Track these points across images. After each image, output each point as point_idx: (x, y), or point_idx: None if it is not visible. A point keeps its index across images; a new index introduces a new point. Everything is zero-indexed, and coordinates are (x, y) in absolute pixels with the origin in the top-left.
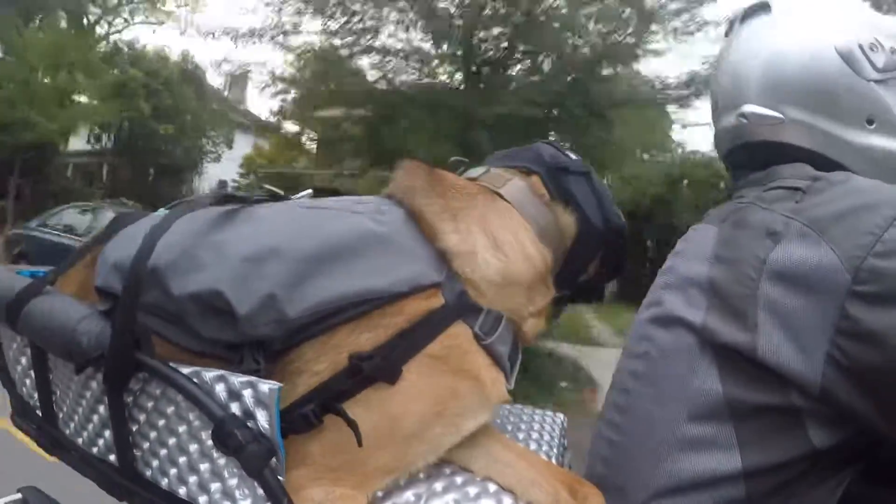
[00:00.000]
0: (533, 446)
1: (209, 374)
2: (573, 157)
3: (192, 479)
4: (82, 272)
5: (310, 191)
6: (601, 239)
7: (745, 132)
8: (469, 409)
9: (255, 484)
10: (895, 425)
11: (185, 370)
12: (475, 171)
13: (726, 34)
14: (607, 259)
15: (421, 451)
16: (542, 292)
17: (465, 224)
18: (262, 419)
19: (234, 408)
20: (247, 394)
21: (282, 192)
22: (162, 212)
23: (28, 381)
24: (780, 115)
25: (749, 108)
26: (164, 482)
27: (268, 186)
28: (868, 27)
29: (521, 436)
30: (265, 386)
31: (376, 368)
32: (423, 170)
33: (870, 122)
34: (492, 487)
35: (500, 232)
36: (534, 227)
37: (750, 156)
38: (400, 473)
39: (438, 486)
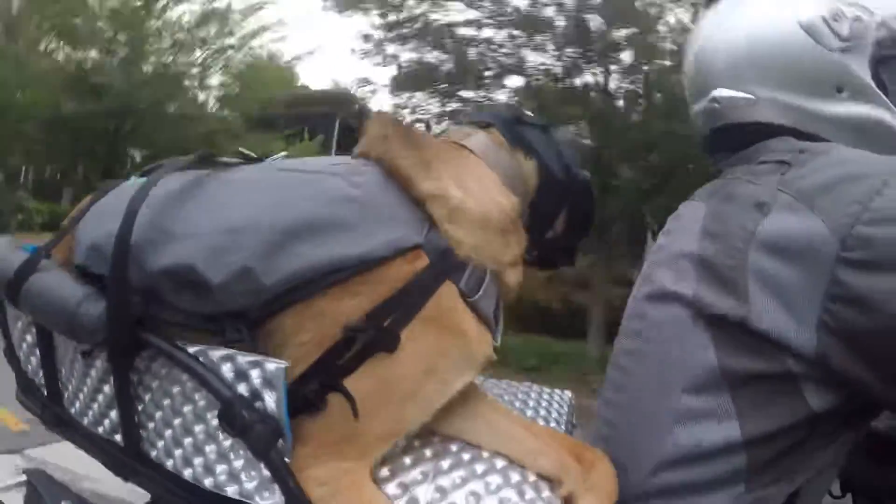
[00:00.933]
0: (541, 423)
1: (216, 354)
2: (529, 113)
3: (198, 460)
4: (64, 249)
5: (284, 153)
6: (564, 190)
7: (719, 115)
8: (457, 366)
9: (262, 465)
10: (888, 386)
11: (192, 349)
12: (436, 130)
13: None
14: (574, 215)
15: (414, 411)
16: (517, 239)
17: (437, 172)
18: (270, 400)
19: (242, 388)
20: (254, 374)
21: (255, 155)
22: (133, 180)
23: (33, 359)
24: (751, 96)
25: (719, 91)
26: (170, 463)
27: (242, 149)
28: None
29: (528, 413)
30: (272, 365)
31: (373, 340)
32: (393, 121)
33: (839, 90)
34: (499, 463)
35: (469, 179)
36: (500, 176)
37: (728, 138)
38: (397, 439)
39: (445, 463)
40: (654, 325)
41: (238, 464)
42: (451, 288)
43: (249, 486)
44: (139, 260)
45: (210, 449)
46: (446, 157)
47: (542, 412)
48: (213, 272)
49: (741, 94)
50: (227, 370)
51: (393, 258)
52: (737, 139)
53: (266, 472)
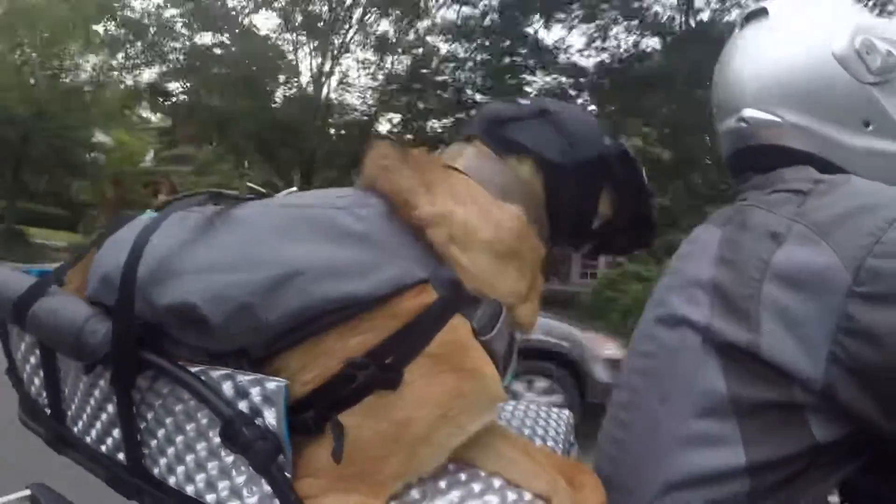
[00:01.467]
0: (539, 442)
1: (216, 373)
2: (522, 102)
3: (200, 476)
4: (80, 274)
5: (294, 188)
6: (583, 171)
7: (745, 136)
8: (473, 409)
9: (263, 482)
10: (893, 422)
11: (193, 369)
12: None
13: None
14: (618, 191)
15: (429, 453)
16: (531, 255)
17: (439, 197)
18: (270, 416)
19: (242, 405)
20: (254, 391)
21: (265, 191)
22: (148, 214)
23: (37, 380)
24: (779, 119)
25: (748, 112)
26: (172, 480)
27: (252, 185)
28: (864, 30)
29: (527, 432)
30: (272, 383)
31: (373, 377)
32: (391, 149)
33: (866, 124)
34: (496, 483)
35: (466, 201)
36: (493, 190)
37: (752, 159)
38: (410, 478)
39: (442, 483)
40: (665, 349)
41: (240, 480)
42: (463, 323)
43: (251, 501)
44: (146, 294)
45: (212, 465)
46: (443, 179)
47: (541, 431)
48: (213, 310)
49: (769, 117)
50: (227, 388)
51: (399, 294)
52: (760, 162)
53: (267, 488)
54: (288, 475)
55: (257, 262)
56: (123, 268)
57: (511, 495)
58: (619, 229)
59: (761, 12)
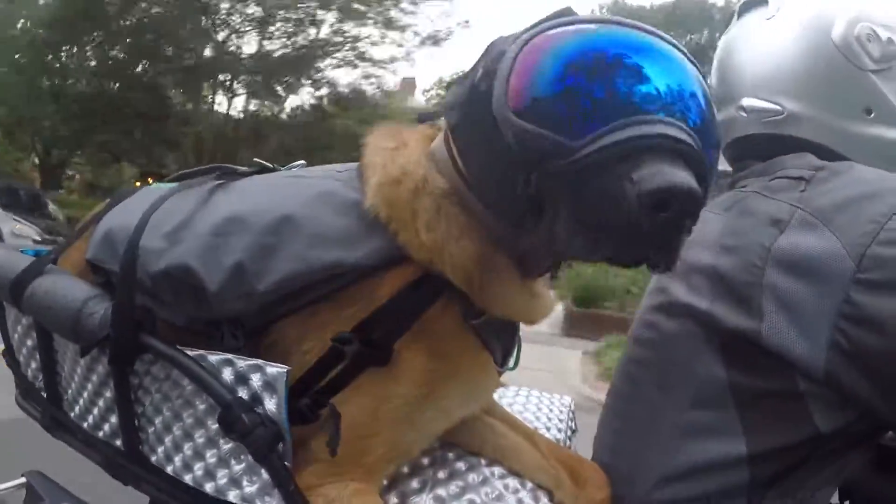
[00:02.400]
0: (541, 429)
1: (215, 358)
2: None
3: (199, 464)
4: (77, 254)
5: (302, 161)
6: (472, 113)
7: (744, 124)
8: (456, 394)
9: (262, 470)
10: (894, 408)
11: (191, 353)
12: None
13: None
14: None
15: (413, 437)
16: (454, 229)
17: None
18: (270, 403)
19: (242, 392)
20: (255, 377)
21: (271, 165)
22: (156, 185)
23: (34, 363)
24: (779, 108)
25: (748, 101)
26: (170, 468)
27: (257, 160)
28: (864, 17)
29: (529, 418)
30: (273, 369)
31: (362, 353)
32: (390, 130)
33: (868, 111)
34: (497, 472)
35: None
36: (434, 162)
37: (751, 147)
38: (399, 461)
39: (443, 473)
40: (665, 337)
41: (239, 468)
42: (452, 304)
43: (250, 489)
44: (145, 261)
45: (211, 453)
46: (402, 156)
47: (543, 418)
48: (209, 273)
49: (770, 105)
50: (227, 374)
51: (388, 267)
52: (759, 150)
53: (266, 477)
54: (288, 463)
55: (249, 223)
56: (127, 244)
57: (511, 485)
58: (555, 220)
59: (760, 1)
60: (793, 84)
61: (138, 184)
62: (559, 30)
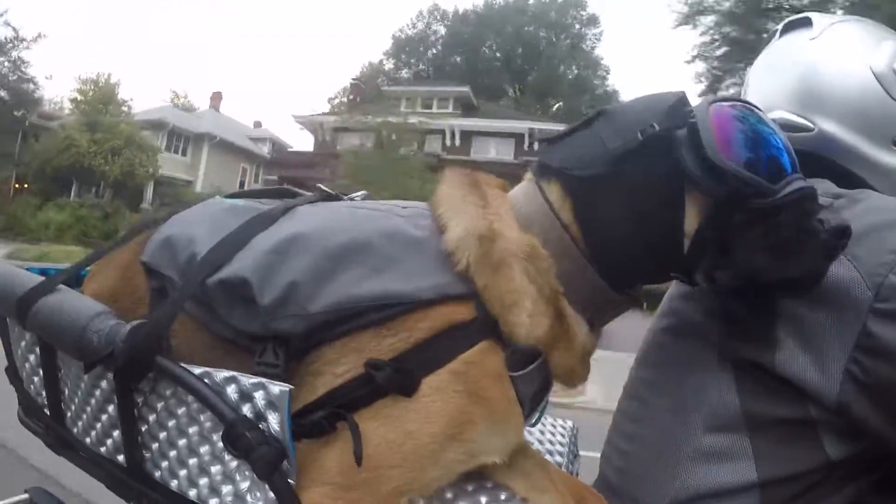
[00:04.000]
0: (543, 454)
1: (220, 375)
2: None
3: (203, 481)
4: (106, 271)
5: (365, 192)
6: (623, 176)
7: None
8: (485, 442)
9: (267, 487)
10: None
11: (197, 370)
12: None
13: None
14: (712, 186)
15: (435, 475)
16: (545, 294)
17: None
18: (274, 421)
19: (246, 409)
20: (258, 395)
21: (334, 193)
22: (218, 198)
23: (36, 379)
24: (811, 125)
25: (780, 113)
26: (174, 484)
27: (322, 187)
28: None
29: (532, 441)
30: (276, 388)
31: (389, 380)
32: (462, 177)
33: (895, 143)
34: (503, 496)
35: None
36: (520, 219)
37: None
38: (414, 496)
39: (449, 494)
40: (676, 360)
41: (244, 485)
42: (494, 349)
43: None
44: (202, 273)
45: (216, 470)
46: (486, 207)
47: (546, 443)
48: (264, 288)
49: (802, 121)
50: (231, 391)
51: (440, 302)
52: None
53: (271, 494)
54: (291, 482)
55: (310, 248)
56: (190, 276)
57: None
58: (740, 248)
59: (804, 22)
60: (828, 105)
61: None
62: (731, 103)
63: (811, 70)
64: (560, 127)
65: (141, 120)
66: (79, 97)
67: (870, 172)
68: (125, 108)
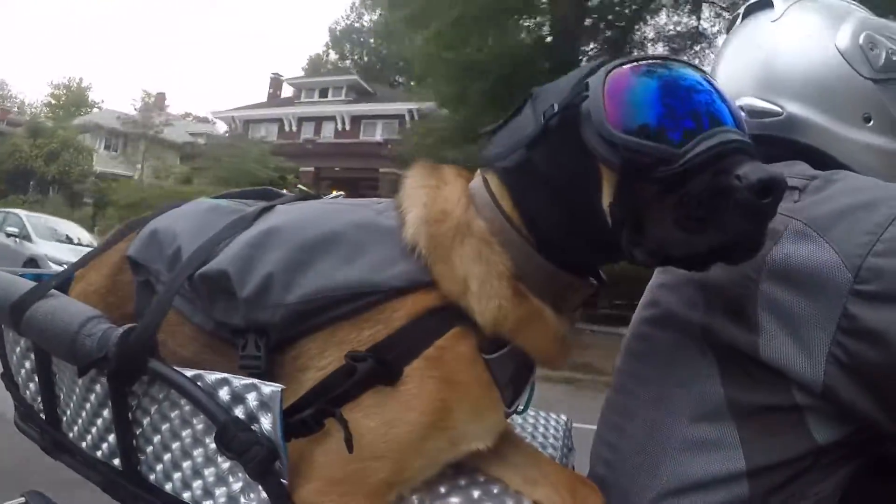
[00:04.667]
0: (538, 448)
1: (212, 378)
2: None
3: (197, 483)
4: (94, 272)
5: (342, 193)
6: (548, 158)
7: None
8: (464, 427)
9: (260, 488)
10: (894, 422)
11: (189, 373)
12: None
13: (728, 30)
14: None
15: (419, 464)
16: (493, 274)
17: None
18: (266, 422)
19: (238, 411)
20: (250, 397)
21: (312, 192)
22: (203, 199)
23: (32, 385)
24: (779, 109)
25: (747, 100)
26: (169, 486)
27: (301, 187)
28: (868, 27)
29: (526, 437)
30: (268, 388)
31: (371, 371)
32: (425, 167)
33: (867, 119)
34: (495, 489)
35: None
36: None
37: None
38: (402, 488)
39: (442, 488)
40: (660, 350)
41: (237, 486)
42: (467, 335)
43: None
44: (186, 267)
45: (209, 472)
46: (444, 200)
47: (540, 437)
48: (240, 279)
49: (769, 106)
50: (223, 393)
51: (412, 290)
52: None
53: (264, 495)
54: (284, 481)
55: (285, 240)
56: (174, 277)
57: (509, 502)
58: (651, 222)
59: (765, 4)
60: (794, 87)
61: None
62: (630, 66)
63: (775, 53)
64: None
65: (78, 124)
66: (52, 101)
67: (843, 151)
68: (97, 110)
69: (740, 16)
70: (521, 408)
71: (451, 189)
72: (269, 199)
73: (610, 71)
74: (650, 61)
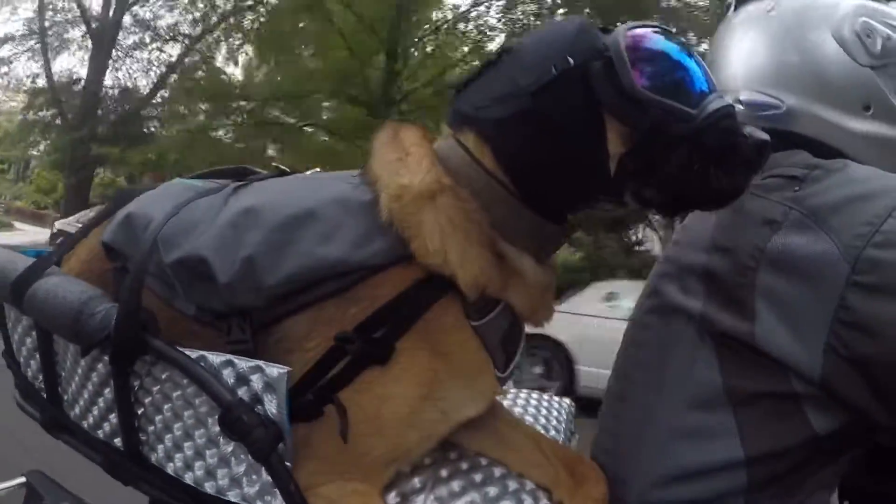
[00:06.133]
0: (540, 431)
1: (217, 359)
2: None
3: (199, 464)
4: (81, 255)
5: (318, 168)
6: (539, 109)
7: (741, 118)
8: (456, 396)
9: (263, 470)
10: (891, 415)
11: (193, 354)
12: None
13: (721, 19)
14: (631, 109)
15: (414, 438)
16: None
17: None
18: (270, 404)
19: (242, 392)
20: (255, 378)
21: (288, 169)
22: (179, 181)
23: (33, 363)
24: (779, 102)
25: (747, 94)
26: (171, 467)
27: (276, 164)
28: (864, 13)
29: (528, 420)
30: (274, 370)
31: (362, 351)
32: (386, 134)
33: (866, 108)
34: (497, 472)
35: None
36: (451, 174)
37: None
38: (400, 464)
39: (444, 472)
40: (659, 339)
41: (239, 468)
42: (452, 304)
43: (251, 490)
44: (162, 252)
45: (211, 453)
46: (409, 162)
47: (542, 420)
48: (222, 265)
49: (769, 100)
50: (228, 375)
51: (392, 265)
52: None
53: (267, 477)
54: (288, 464)
55: (262, 221)
56: (145, 244)
57: (512, 485)
58: (666, 168)
59: None
60: (792, 78)
61: None
62: (649, 29)
63: (771, 45)
64: None
65: None
66: None
67: (844, 142)
68: None
69: (732, 5)
70: (515, 371)
71: (414, 157)
72: (243, 177)
73: (628, 30)
74: (656, 27)
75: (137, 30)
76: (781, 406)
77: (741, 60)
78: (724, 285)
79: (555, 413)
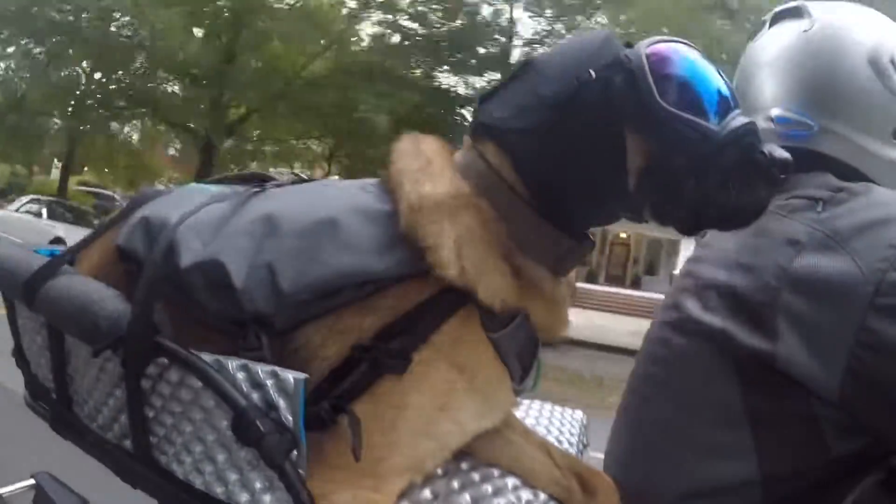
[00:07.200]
0: (552, 443)
1: (232, 363)
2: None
3: (209, 468)
4: (95, 254)
5: (336, 177)
6: (561, 122)
7: (770, 136)
8: (472, 409)
9: (275, 477)
10: None
11: (207, 357)
12: None
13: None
14: (652, 122)
15: (429, 449)
16: (495, 250)
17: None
18: (285, 410)
19: (256, 398)
20: (270, 383)
21: (306, 177)
22: (195, 184)
23: (43, 362)
24: (811, 122)
25: (779, 111)
26: (180, 471)
27: (296, 172)
28: None
29: (541, 431)
30: (290, 375)
31: (379, 361)
32: (408, 143)
33: (895, 135)
34: (510, 483)
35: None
36: (471, 185)
37: None
38: (413, 475)
39: (456, 483)
40: (679, 355)
41: (251, 473)
42: (471, 316)
43: (261, 495)
44: (178, 257)
45: (222, 458)
46: (430, 174)
47: (555, 431)
48: (237, 270)
49: (802, 119)
50: (242, 379)
51: (412, 277)
52: None
53: (279, 483)
54: (301, 472)
55: (282, 229)
56: (160, 251)
57: (524, 496)
58: (688, 185)
59: (796, 11)
60: (825, 99)
61: None
62: (667, 45)
63: (806, 66)
64: None
65: None
66: None
67: (871, 166)
68: None
69: (767, 22)
70: (531, 384)
71: (436, 167)
72: (262, 183)
73: (650, 45)
74: (680, 41)
75: None
76: (800, 426)
77: (774, 77)
78: (747, 304)
79: (567, 425)
